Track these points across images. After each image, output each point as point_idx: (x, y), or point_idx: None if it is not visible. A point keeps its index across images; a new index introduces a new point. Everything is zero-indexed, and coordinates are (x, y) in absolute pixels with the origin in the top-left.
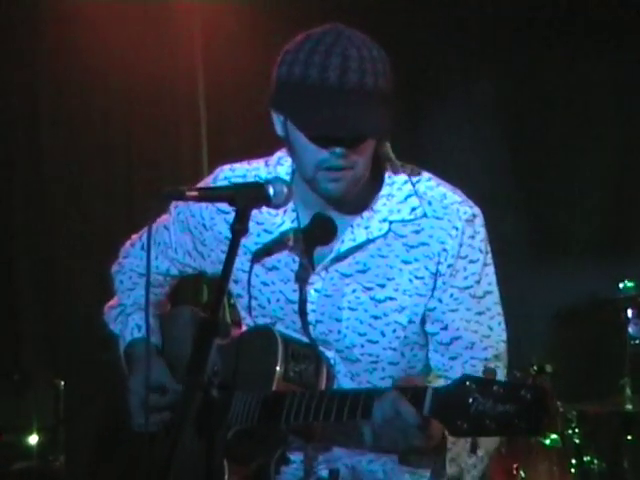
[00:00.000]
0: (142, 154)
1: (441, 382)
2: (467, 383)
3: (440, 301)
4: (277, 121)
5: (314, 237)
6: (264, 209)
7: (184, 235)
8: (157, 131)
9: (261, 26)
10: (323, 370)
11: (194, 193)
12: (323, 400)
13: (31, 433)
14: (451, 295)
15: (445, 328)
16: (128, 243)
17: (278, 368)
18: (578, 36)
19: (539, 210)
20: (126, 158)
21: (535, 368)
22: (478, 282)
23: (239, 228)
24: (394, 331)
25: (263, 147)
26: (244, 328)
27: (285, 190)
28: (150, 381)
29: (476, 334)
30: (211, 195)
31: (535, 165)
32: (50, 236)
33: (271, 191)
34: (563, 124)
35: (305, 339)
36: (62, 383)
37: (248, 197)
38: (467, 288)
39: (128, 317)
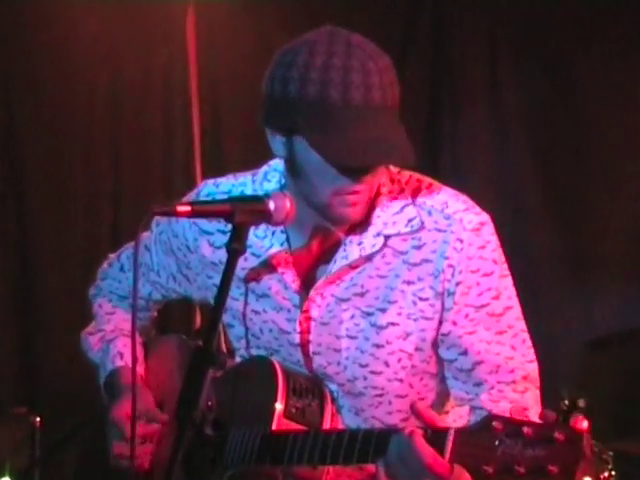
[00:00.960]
0: (129, 162)
1: (462, 411)
2: (493, 423)
3: (454, 324)
4: (275, 141)
5: (310, 259)
6: (251, 230)
7: (167, 257)
8: (146, 136)
9: (258, 23)
10: (327, 406)
11: (186, 209)
12: (330, 440)
13: (3, 475)
14: (466, 316)
15: (464, 353)
16: (106, 264)
17: (278, 404)
18: (614, 38)
19: (573, 225)
20: (111, 167)
21: (566, 403)
22: (496, 297)
23: (237, 248)
24: (399, 360)
25: (261, 151)
26: (237, 359)
27: (287, 205)
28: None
29: (499, 356)
30: (206, 210)
31: (568, 175)
32: (27, 258)
33: (272, 206)
34: (602, 131)
35: (305, 371)
36: (38, 419)
37: (247, 212)
38: (484, 306)
39: (109, 344)
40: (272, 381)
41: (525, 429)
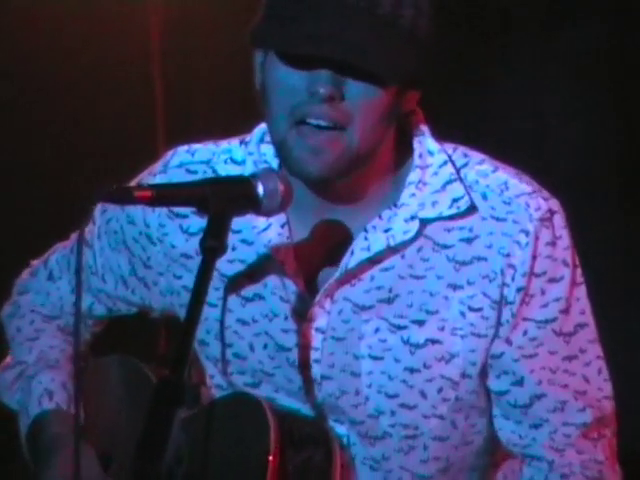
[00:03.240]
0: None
1: (516, 465)
2: None
3: (509, 343)
4: (257, 65)
5: (315, 255)
6: None
7: (117, 254)
8: (104, 123)
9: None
10: (336, 460)
11: (147, 193)
12: None
13: None
14: (525, 333)
15: (519, 383)
16: (26, 274)
17: (271, 458)
18: None
19: None
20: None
21: None
22: (565, 311)
23: (214, 245)
24: (440, 390)
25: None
26: (212, 390)
27: (280, 188)
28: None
29: (567, 389)
30: (173, 196)
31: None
32: None
33: (260, 190)
34: None
35: (306, 407)
36: None
37: (227, 199)
38: (549, 321)
39: (31, 380)
40: (260, 428)
41: None
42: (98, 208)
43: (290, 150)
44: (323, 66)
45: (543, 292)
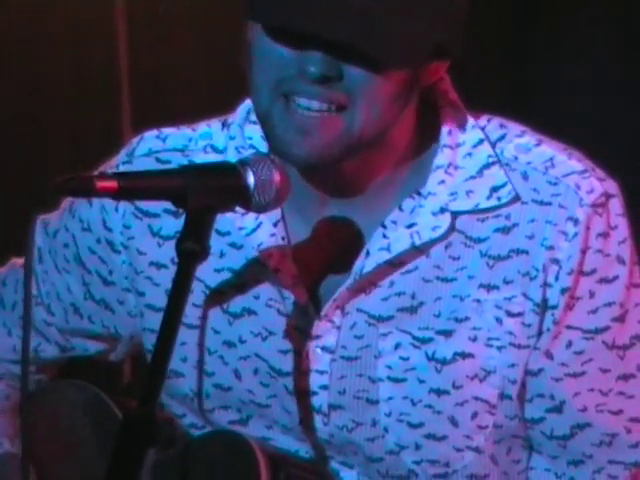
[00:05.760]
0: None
1: None
2: None
3: (550, 357)
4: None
5: (318, 254)
6: None
7: (64, 275)
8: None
9: None
10: None
11: (112, 183)
12: None
13: None
14: (569, 345)
15: (558, 409)
16: None
17: None
18: None
19: None
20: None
21: None
22: (619, 319)
23: (193, 248)
24: (474, 416)
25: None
26: (183, 429)
27: (275, 177)
28: None
29: (619, 417)
30: (143, 187)
31: None
32: None
33: (251, 179)
34: None
35: (305, 445)
36: None
37: (210, 191)
38: (599, 331)
39: None
40: (249, 476)
41: None
42: (38, 225)
43: (274, 126)
44: (314, 47)
45: (592, 295)
